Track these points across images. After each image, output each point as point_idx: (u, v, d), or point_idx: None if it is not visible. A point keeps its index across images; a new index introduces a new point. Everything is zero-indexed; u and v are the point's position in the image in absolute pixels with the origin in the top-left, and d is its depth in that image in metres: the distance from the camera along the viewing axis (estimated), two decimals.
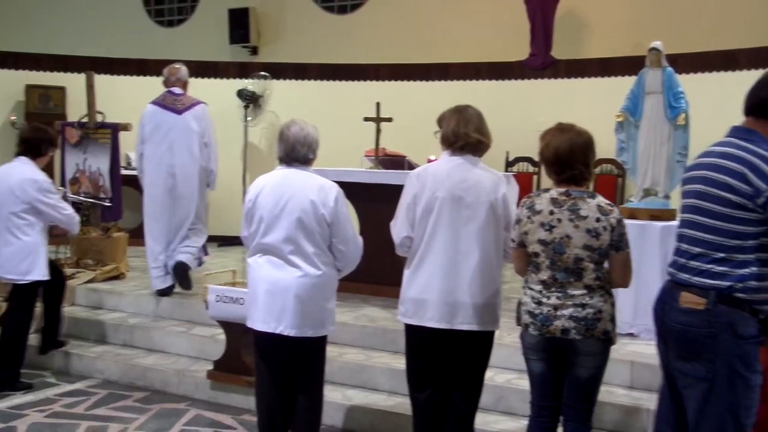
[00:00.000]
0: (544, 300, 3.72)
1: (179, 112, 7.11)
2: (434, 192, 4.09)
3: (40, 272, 6.07)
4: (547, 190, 3.80)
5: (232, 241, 10.59)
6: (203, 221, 7.40)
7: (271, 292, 4.25)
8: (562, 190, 3.74)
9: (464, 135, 4.15)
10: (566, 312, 3.67)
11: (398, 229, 4.22)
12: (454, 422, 4.26)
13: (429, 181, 4.13)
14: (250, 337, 4.78)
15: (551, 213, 3.70)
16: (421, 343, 4.21)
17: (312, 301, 4.27)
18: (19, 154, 6.15)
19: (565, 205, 3.69)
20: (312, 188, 4.29)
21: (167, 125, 7.11)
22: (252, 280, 4.37)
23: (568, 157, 3.71)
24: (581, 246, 3.65)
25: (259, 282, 4.31)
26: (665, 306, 3.42)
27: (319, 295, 4.31)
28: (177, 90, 7.25)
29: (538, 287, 3.76)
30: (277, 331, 4.25)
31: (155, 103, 7.21)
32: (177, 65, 7.49)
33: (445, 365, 4.21)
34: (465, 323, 4.09)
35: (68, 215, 6.19)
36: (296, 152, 4.35)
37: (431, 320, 4.10)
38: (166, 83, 7.34)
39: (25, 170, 6.03)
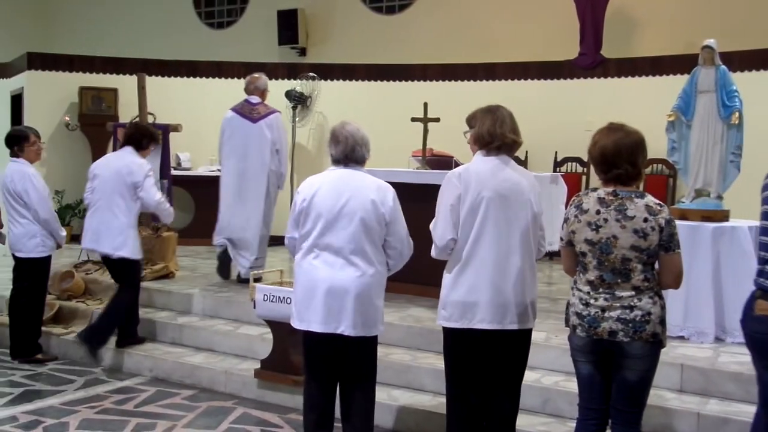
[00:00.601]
0: (592, 301, 3.68)
1: (254, 120, 7.56)
2: (479, 192, 4.05)
3: (130, 250, 6.52)
4: (595, 190, 3.76)
5: (280, 241, 10.64)
6: (268, 226, 7.85)
7: (331, 293, 4.24)
8: (610, 189, 3.70)
9: (501, 135, 4.13)
10: (614, 314, 3.62)
11: (442, 231, 4.12)
12: (500, 424, 4.22)
13: (472, 181, 4.08)
14: (297, 337, 4.80)
15: (598, 212, 3.66)
16: (468, 347, 4.15)
17: (369, 300, 4.30)
18: (122, 146, 6.77)
19: (611, 204, 3.65)
20: (371, 188, 4.34)
21: (243, 132, 7.59)
22: (307, 281, 4.33)
23: (614, 157, 3.67)
24: (628, 247, 3.60)
25: (317, 283, 4.28)
26: (745, 315, 3.40)
27: (374, 294, 4.34)
28: (254, 99, 7.67)
29: (586, 288, 3.71)
30: (338, 332, 4.25)
31: (234, 110, 7.65)
32: (257, 74, 7.91)
33: (488, 367, 4.17)
34: (514, 323, 4.07)
35: (157, 201, 6.63)
36: (356, 153, 4.38)
37: (482, 322, 4.06)
38: (246, 91, 7.76)
39: (131, 157, 6.62)
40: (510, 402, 4.22)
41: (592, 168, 9.79)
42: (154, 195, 6.57)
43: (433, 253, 4.20)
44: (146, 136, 6.75)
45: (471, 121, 4.28)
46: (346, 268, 4.26)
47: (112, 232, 6.46)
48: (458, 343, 4.17)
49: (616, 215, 3.62)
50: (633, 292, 3.62)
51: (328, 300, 4.25)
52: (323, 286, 4.26)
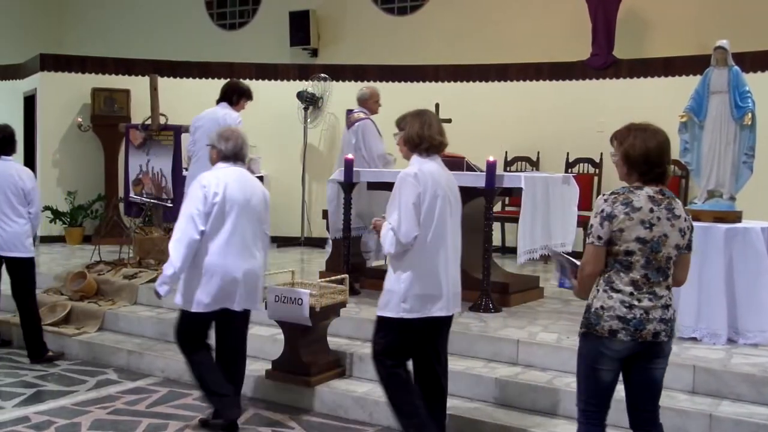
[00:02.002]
0: (636, 303, 3.60)
1: (348, 128, 8.33)
2: (435, 191, 4.40)
3: None
4: (640, 188, 3.66)
5: (291, 242, 10.67)
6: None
7: (247, 277, 5.01)
8: (657, 188, 3.66)
9: (429, 137, 4.48)
10: (657, 314, 3.60)
11: (407, 228, 4.33)
12: (443, 393, 4.72)
13: (429, 181, 4.39)
14: (309, 338, 4.84)
15: (651, 210, 3.60)
16: (423, 332, 4.53)
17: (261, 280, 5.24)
18: (218, 102, 7.42)
19: (662, 203, 3.62)
20: (258, 183, 5.15)
21: (343, 139, 8.43)
22: (225, 269, 4.93)
23: (658, 156, 3.65)
24: (674, 245, 3.62)
25: (235, 270, 4.95)
26: None
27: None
28: (356, 108, 8.26)
29: (629, 289, 3.61)
30: (248, 308, 5.14)
31: None
32: (364, 87, 8.54)
33: (430, 348, 4.65)
34: (457, 307, 4.64)
35: None
36: (243, 151, 5.10)
37: (441, 310, 4.49)
38: None
39: (227, 110, 7.30)
40: (446, 377, 4.74)
41: (604, 169, 9.81)
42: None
43: (394, 249, 4.40)
44: (236, 92, 7.39)
45: (401, 123, 4.61)
46: (254, 254, 5.06)
47: None
48: (415, 332, 4.50)
49: (667, 214, 3.61)
50: (667, 291, 3.65)
51: (244, 284, 5.00)
52: (240, 272, 4.97)
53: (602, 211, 3.64)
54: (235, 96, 7.36)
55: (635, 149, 3.66)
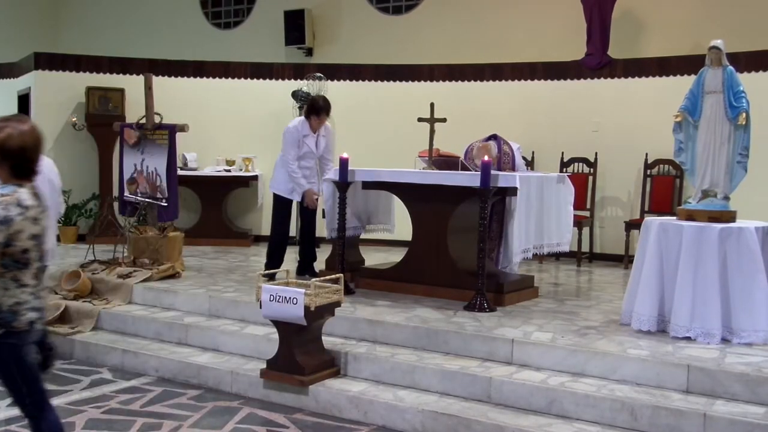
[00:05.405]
0: (39, 294, 3.82)
1: None
2: None
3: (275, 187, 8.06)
4: (21, 185, 3.71)
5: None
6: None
7: None
8: (30, 184, 3.74)
9: None
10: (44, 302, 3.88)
11: None
12: None
13: None
14: (303, 337, 4.82)
15: (36, 207, 3.74)
16: None
17: None
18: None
19: (38, 199, 3.75)
20: None
21: None
22: None
23: (34, 153, 3.74)
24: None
25: None
26: None
27: None
28: None
29: (33, 282, 3.77)
30: None
31: None
32: None
33: None
34: (56, 257, 5.22)
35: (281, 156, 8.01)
36: None
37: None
38: None
39: (294, 121, 8.15)
40: None
41: (599, 168, 9.80)
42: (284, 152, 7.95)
43: None
44: (308, 106, 8.06)
45: None
46: None
47: (285, 178, 7.95)
48: None
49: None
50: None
51: None
52: None
53: (1, 216, 3.63)
54: (306, 107, 8.07)
55: (12, 140, 3.67)
